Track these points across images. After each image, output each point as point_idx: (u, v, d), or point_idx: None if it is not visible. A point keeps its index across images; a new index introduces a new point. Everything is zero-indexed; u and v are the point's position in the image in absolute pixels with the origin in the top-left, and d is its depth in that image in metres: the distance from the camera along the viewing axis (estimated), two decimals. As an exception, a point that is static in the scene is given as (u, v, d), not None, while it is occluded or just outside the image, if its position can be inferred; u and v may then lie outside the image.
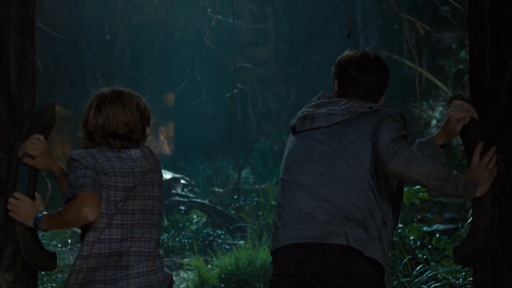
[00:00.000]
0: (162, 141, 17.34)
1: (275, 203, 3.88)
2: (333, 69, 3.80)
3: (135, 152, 3.48)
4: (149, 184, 3.48)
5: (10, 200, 3.59)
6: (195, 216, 12.73)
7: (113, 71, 16.01)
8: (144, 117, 3.55)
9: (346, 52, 3.78)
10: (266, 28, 18.56)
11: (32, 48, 4.01)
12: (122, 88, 3.57)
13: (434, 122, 16.12)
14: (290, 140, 3.67)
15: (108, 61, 16.12)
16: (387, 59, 17.51)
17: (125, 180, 3.41)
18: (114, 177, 3.38)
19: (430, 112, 16.36)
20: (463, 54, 15.07)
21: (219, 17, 15.82)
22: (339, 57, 3.76)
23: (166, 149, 17.46)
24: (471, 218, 3.75)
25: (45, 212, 3.55)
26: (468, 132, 3.72)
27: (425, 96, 16.88)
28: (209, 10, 16.13)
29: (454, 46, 16.19)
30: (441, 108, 16.15)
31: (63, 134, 17.73)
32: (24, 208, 3.55)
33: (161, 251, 3.56)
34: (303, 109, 3.68)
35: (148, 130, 3.59)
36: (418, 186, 6.87)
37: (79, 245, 3.42)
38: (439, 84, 15.27)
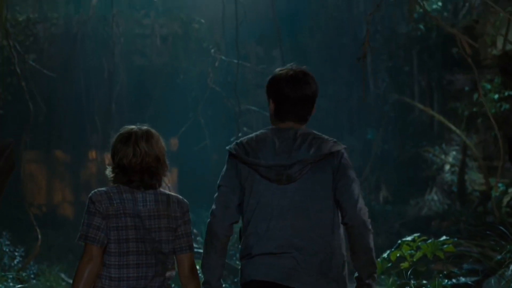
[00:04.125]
0: (164, 187, 17.29)
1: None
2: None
3: (149, 196, 3.90)
4: (155, 230, 3.85)
5: None
6: (198, 267, 12.60)
7: (112, 114, 16.07)
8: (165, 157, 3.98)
9: (276, 71, 4.12)
10: (272, 71, 18.64)
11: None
12: (148, 127, 3.98)
13: (447, 167, 16.08)
14: (259, 182, 3.95)
15: (107, 103, 16.19)
16: (398, 102, 17.59)
17: (135, 220, 3.81)
18: (124, 218, 3.79)
19: (443, 156, 16.33)
20: (476, 96, 15.08)
21: (223, 57, 15.90)
22: (271, 76, 4.11)
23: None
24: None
25: None
26: None
27: (437, 140, 16.87)
28: (212, 50, 16.22)
29: (466, 88, 16.22)
30: (454, 153, 16.12)
31: (63, 179, 17.76)
32: None
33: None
34: (257, 155, 3.96)
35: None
36: (443, 238, 7.54)
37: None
38: (452, 127, 15.27)
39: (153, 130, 3.97)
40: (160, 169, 3.95)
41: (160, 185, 3.99)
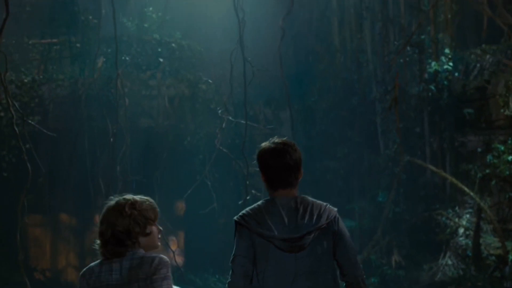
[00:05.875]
0: (170, 252, 17.18)
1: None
2: (254, 161, 4.80)
3: (125, 262, 4.20)
4: None
5: None
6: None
7: (117, 177, 16.05)
8: (142, 219, 4.29)
9: (261, 145, 4.76)
10: (281, 132, 18.66)
11: None
12: (126, 196, 4.36)
13: (461, 230, 15.93)
14: (274, 251, 4.51)
15: (112, 166, 16.18)
16: (410, 163, 17.53)
17: None
18: None
19: (456, 219, 16.19)
20: (490, 157, 15.03)
21: (230, 118, 15.93)
22: (258, 151, 4.74)
23: (175, 260, 17.29)
24: None
25: None
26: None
27: (450, 203, 16.75)
28: (220, 111, 16.26)
29: (479, 149, 16.18)
30: (468, 216, 15.99)
31: (69, 243, 17.68)
32: None
33: None
34: (271, 228, 4.52)
35: (150, 228, 4.33)
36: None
37: None
38: (466, 189, 15.18)
39: (126, 200, 4.34)
40: (129, 237, 4.26)
41: (131, 249, 4.27)
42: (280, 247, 4.48)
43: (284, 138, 4.77)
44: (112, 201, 4.34)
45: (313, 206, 4.60)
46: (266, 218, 4.53)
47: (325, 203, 4.65)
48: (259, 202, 4.71)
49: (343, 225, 4.65)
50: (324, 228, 4.55)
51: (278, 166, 4.62)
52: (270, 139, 4.78)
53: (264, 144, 4.75)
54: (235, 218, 4.61)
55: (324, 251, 4.56)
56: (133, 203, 4.32)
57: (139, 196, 4.39)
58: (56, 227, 17.66)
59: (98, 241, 4.32)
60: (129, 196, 4.35)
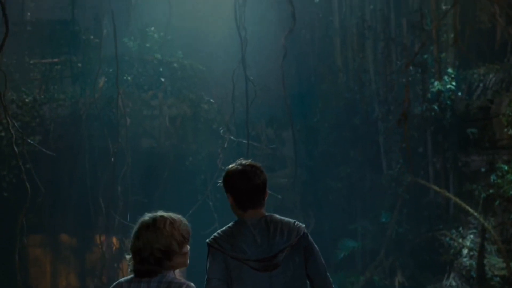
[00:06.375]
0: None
1: None
2: (219, 182, 4.98)
3: (153, 284, 4.21)
4: None
5: None
6: None
7: (118, 197, 16.02)
8: (181, 238, 4.37)
9: (228, 167, 4.95)
10: (283, 153, 18.65)
11: None
12: (161, 213, 4.37)
13: (465, 251, 15.86)
14: (247, 272, 4.62)
15: (113, 186, 16.16)
16: (413, 184, 17.47)
17: None
18: None
19: (460, 240, 16.13)
20: (493, 177, 14.99)
21: (232, 137, 15.92)
22: (225, 173, 4.94)
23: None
24: None
25: None
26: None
27: (454, 223, 16.69)
28: (221, 130, 16.26)
29: (483, 169, 16.14)
30: (472, 236, 15.93)
31: (69, 264, 17.62)
32: None
33: None
34: (245, 251, 4.65)
35: (186, 247, 4.46)
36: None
37: None
38: (469, 209, 15.13)
39: (164, 218, 4.35)
40: (167, 256, 4.28)
41: (164, 270, 4.31)
42: (255, 267, 4.60)
43: (250, 160, 4.99)
44: (148, 218, 4.34)
45: (282, 224, 4.77)
46: (239, 240, 4.67)
47: (293, 220, 4.84)
48: (229, 224, 4.86)
49: (311, 240, 4.83)
50: (295, 244, 4.71)
51: (248, 188, 4.78)
52: (236, 161, 5.00)
53: (232, 167, 4.94)
54: (207, 241, 4.80)
55: (297, 266, 4.72)
56: (172, 222, 4.36)
57: (174, 215, 4.44)
58: (56, 247, 17.61)
59: (130, 256, 4.32)
60: (165, 214, 4.39)
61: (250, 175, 4.83)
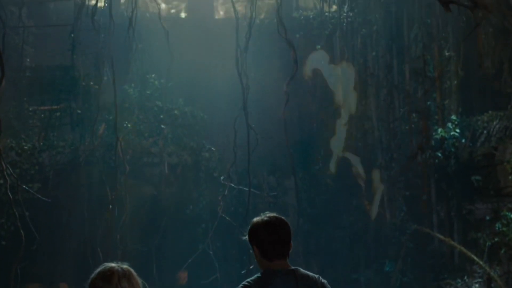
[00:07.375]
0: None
1: None
2: (245, 237, 5.02)
3: None
4: None
5: None
6: None
7: (116, 245, 15.91)
8: None
9: (253, 220, 5.01)
10: (285, 201, 18.58)
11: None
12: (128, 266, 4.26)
13: (471, 301, 15.72)
14: None
15: (111, 234, 16.05)
16: (416, 232, 17.39)
17: None
18: None
19: (466, 290, 16.00)
20: (499, 226, 14.92)
21: (233, 185, 15.88)
22: (250, 226, 4.99)
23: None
24: None
25: None
26: None
27: (459, 272, 16.57)
28: (222, 178, 16.23)
29: (487, 217, 16.07)
30: (477, 285, 15.79)
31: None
32: None
33: None
34: None
35: None
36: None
37: None
38: (474, 258, 15.02)
39: (132, 269, 4.26)
40: None
41: None
42: None
43: (274, 214, 5.03)
44: (115, 266, 4.29)
45: (309, 278, 4.89)
46: None
47: (317, 275, 4.96)
48: (258, 274, 4.87)
49: None
50: None
51: (273, 238, 4.85)
52: (261, 214, 5.06)
53: (257, 219, 5.00)
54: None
55: None
56: (128, 275, 4.28)
57: (127, 267, 4.32)
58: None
59: None
60: (124, 266, 4.30)
61: (275, 226, 4.90)
